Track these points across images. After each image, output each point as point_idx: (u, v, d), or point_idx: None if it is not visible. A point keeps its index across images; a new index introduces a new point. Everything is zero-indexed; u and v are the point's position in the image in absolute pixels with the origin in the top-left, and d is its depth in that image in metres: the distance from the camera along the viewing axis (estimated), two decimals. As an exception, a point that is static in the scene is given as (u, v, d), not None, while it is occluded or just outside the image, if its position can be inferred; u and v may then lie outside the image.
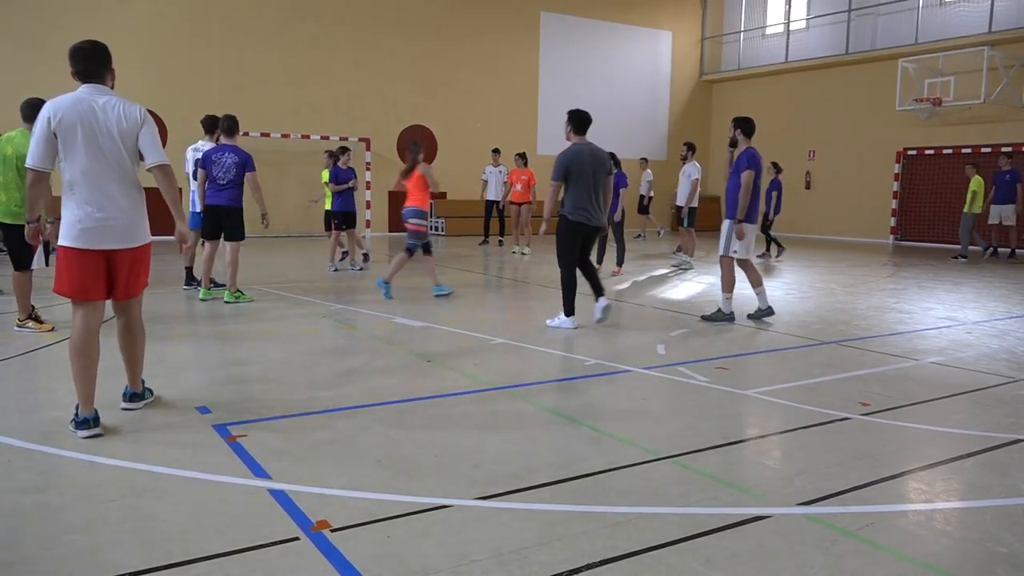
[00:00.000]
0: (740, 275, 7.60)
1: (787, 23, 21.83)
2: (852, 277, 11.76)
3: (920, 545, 2.89)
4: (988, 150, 17.12)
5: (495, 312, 8.42)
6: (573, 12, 21.33)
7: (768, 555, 2.75)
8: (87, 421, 3.87)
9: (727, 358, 6.00)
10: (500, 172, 15.71)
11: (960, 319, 7.98)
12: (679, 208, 12.69)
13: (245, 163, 7.95)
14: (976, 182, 14.62)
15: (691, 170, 12.31)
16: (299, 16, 17.49)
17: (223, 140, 8.05)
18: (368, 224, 18.40)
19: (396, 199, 18.72)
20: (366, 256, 11.78)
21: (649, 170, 18.67)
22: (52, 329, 6.42)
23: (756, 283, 7.64)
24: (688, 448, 3.87)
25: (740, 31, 23.25)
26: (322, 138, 17.59)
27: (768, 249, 14.50)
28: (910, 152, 18.89)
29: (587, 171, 6.77)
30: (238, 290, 8.12)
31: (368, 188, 18.35)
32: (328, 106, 17.72)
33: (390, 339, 6.52)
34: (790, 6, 21.87)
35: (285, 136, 16.94)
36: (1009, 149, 16.30)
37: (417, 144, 8.67)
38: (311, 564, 2.63)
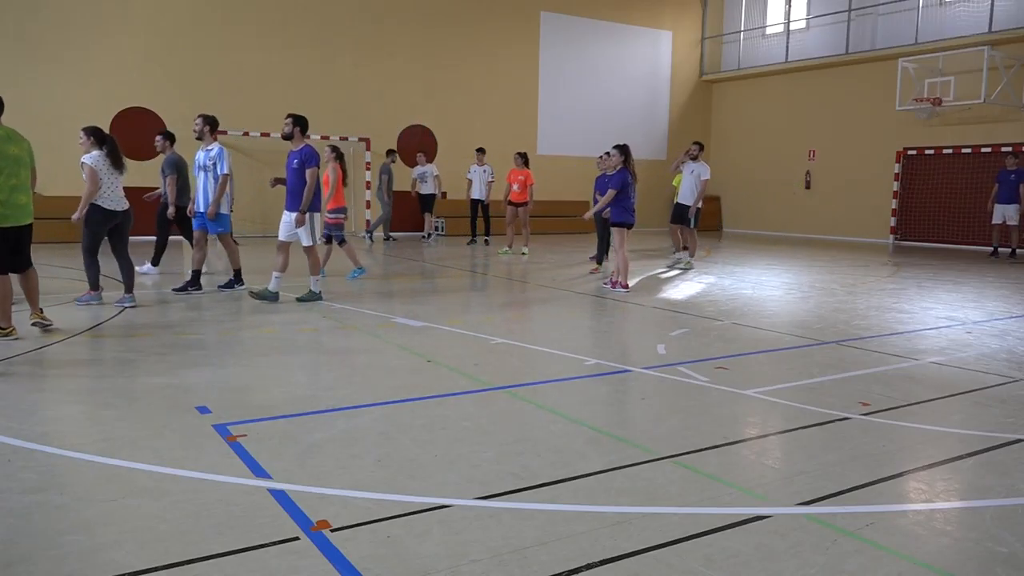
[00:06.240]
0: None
1: (787, 23, 21.79)
2: (852, 277, 11.76)
3: (920, 545, 2.89)
4: (988, 150, 17.10)
5: (495, 312, 8.42)
6: (573, 12, 21.29)
7: (768, 555, 2.75)
8: None
9: (727, 358, 6.00)
10: (484, 171, 15.84)
11: (960, 319, 7.98)
12: (684, 207, 12.40)
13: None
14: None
15: (702, 170, 12.16)
16: (299, 16, 17.48)
17: None
18: (367, 224, 18.39)
19: (396, 199, 18.72)
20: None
21: (433, 165, 16.31)
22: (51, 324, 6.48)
23: (314, 269, 8.57)
24: (688, 448, 3.87)
25: (740, 31, 23.23)
26: (322, 138, 17.54)
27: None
28: (910, 152, 18.87)
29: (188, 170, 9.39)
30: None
31: (368, 188, 18.34)
32: (328, 106, 17.68)
33: (390, 339, 6.51)
34: (790, 6, 21.85)
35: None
36: (1009, 149, 16.29)
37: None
38: (311, 564, 2.63)
